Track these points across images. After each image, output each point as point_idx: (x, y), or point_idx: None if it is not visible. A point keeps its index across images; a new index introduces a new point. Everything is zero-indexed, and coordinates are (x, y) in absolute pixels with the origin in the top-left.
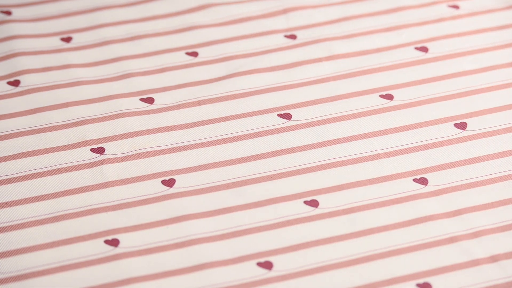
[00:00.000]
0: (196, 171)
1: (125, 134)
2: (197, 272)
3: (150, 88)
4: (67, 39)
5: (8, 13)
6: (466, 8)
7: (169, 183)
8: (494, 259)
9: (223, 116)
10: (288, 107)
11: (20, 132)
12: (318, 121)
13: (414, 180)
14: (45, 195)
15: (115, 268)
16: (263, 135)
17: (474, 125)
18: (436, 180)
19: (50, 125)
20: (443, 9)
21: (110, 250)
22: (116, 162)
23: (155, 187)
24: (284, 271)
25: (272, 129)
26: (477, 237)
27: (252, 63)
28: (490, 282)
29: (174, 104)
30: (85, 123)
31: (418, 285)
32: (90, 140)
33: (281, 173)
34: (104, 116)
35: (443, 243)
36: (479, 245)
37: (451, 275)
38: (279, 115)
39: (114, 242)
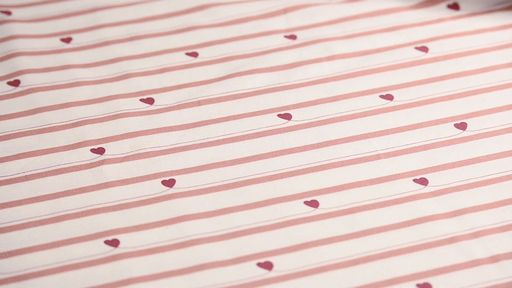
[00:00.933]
0: (196, 171)
1: (125, 134)
2: (197, 273)
3: (150, 89)
4: (67, 40)
5: (8, 13)
6: (467, 8)
7: (169, 183)
8: (494, 259)
9: (223, 116)
10: (288, 107)
11: (20, 132)
12: (318, 121)
13: (414, 180)
14: (45, 196)
15: (115, 268)
16: (263, 136)
17: (474, 125)
18: (436, 180)
19: (50, 125)
20: (443, 10)
21: (110, 250)
22: (116, 162)
23: (155, 187)
24: (284, 271)
25: (272, 130)
26: (477, 237)
27: (252, 63)
28: (490, 283)
29: (175, 105)
30: (85, 124)
31: (418, 285)
32: (90, 141)
33: (281, 173)
34: (104, 117)
35: (443, 243)
36: (479, 245)
37: (451, 276)
38: (279, 115)
39: (114, 243)
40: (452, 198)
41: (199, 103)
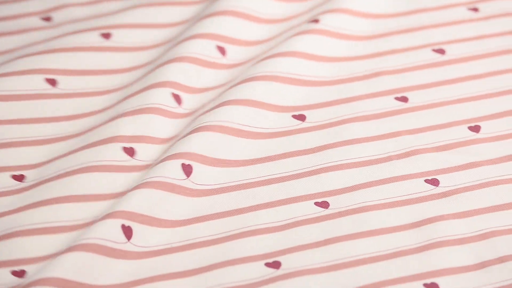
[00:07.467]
0: (208, 170)
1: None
2: (204, 274)
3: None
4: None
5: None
6: (486, 11)
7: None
8: (501, 260)
9: None
10: (302, 108)
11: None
12: (331, 122)
13: (425, 181)
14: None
15: (124, 269)
16: (276, 136)
17: (488, 128)
18: (447, 181)
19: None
20: (462, 12)
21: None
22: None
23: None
24: (292, 269)
25: (285, 131)
26: (486, 239)
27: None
28: (498, 284)
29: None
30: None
31: (425, 285)
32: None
33: (292, 174)
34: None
35: (451, 243)
36: (487, 246)
37: (458, 277)
38: (293, 116)
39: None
40: (463, 199)
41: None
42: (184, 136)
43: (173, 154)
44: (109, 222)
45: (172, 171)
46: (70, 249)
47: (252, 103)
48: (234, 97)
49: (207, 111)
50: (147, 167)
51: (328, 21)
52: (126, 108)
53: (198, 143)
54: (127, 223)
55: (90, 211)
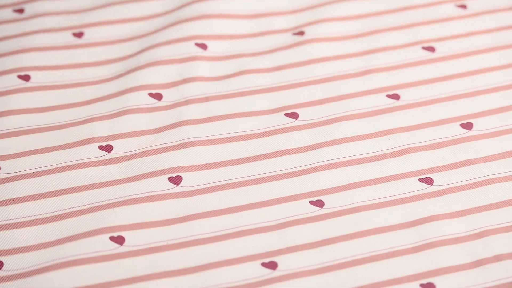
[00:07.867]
0: (202, 169)
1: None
2: (201, 272)
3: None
4: (79, 34)
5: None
6: (474, 8)
7: (176, 180)
8: (498, 258)
9: (230, 113)
10: (295, 106)
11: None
12: (325, 120)
13: (419, 179)
14: (51, 192)
15: (120, 266)
16: (270, 135)
17: (480, 125)
18: (441, 180)
19: (59, 123)
20: (450, 9)
21: (115, 248)
22: (124, 160)
23: (162, 184)
24: (289, 270)
25: (279, 129)
26: (481, 238)
27: (259, 62)
28: (493, 282)
29: (182, 100)
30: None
31: (421, 285)
32: (98, 138)
33: (286, 173)
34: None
35: (447, 243)
36: (483, 245)
37: (454, 276)
38: (286, 114)
39: (119, 240)
40: (457, 198)
41: (206, 99)
42: (169, 151)
43: (159, 170)
44: (95, 238)
45: (159, 185)
46: (56, 266)
47: (241, 114)
48: (223, 111)
49: (191, 122)
50: (126, 158)
51: (314, 31)
52: (102, 112)
53: (185, 158)
54: (116, 234)
55: (67, 202)
